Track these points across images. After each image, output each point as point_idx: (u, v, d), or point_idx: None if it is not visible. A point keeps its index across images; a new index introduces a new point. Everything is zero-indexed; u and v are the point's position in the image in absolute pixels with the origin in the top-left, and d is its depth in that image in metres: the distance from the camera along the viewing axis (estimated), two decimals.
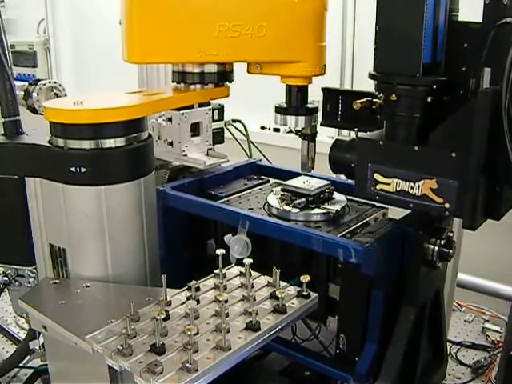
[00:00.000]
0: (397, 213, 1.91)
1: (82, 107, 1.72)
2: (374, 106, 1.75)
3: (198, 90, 2.01)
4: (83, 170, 1.71)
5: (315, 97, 2.17)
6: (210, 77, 1.99)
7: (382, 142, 1.71)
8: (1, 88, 1.92)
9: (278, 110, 2.07)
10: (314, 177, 2.23)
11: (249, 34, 1.82)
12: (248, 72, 2.00)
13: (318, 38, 1.91)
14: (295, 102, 2.03)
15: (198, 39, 1.81)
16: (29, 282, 2.07)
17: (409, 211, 1.80)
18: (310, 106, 2.08)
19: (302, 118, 2.05)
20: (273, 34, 1.83)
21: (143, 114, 1.84)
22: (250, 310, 1.52)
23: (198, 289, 1.67)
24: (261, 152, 2.85)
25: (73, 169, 1.72)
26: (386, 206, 2.06)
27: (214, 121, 2.49)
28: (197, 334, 1.43)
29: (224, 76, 2.03)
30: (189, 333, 1.34)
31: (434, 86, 1.62)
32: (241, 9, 1.81)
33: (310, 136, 2.16)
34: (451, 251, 1.81)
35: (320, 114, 2.20)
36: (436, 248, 1.77)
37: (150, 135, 1.91)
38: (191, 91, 2.00)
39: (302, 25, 1.86)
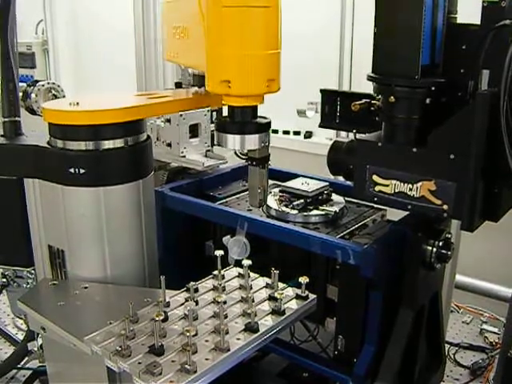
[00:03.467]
0: (395, 214, 1.91)
1: (80, 108, 1.72)
2: (372, 108, 1.75)
3: (197, 96, 1.99)
4: (82, 171, 1.71)
5: (313, 98, 2.16)
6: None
7: (380, 144, 1.71)
8: (4, 88, 1.91)
9: (218, 126, 1.66)
10: (313, 178, 2.23)
11: (179, 36, 1.78)
12: None
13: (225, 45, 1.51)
14: (239, 116, 1.58)
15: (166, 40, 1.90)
16: (27, 283, 2.06)
17: (407, 213, 1.80)
18: (260, 120, 1.63)
19: (251, 138, 1.62)
20: (193, 38, 1.61)
21: (142, 115, 1.84)
22: (248, 312, 1.52)
23: (196, 290, 1.67)
24: None
25: (72, 170, 1.71)
26: (385, 207, 2.06)
27: (212, 122, 2.49)
28: (196, 335, 1.43)
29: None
30: (188, 334, 1.34)
31: (433, 88, 1.62)
32: (177, 11, 1.80)
33: (259, 160, 1.73)
34: (449, 253, 1.81)
35: (318, 116, 2.20)
36: (434, 249, 1.77)
37: (148, 136, 1.91)
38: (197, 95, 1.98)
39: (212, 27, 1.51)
